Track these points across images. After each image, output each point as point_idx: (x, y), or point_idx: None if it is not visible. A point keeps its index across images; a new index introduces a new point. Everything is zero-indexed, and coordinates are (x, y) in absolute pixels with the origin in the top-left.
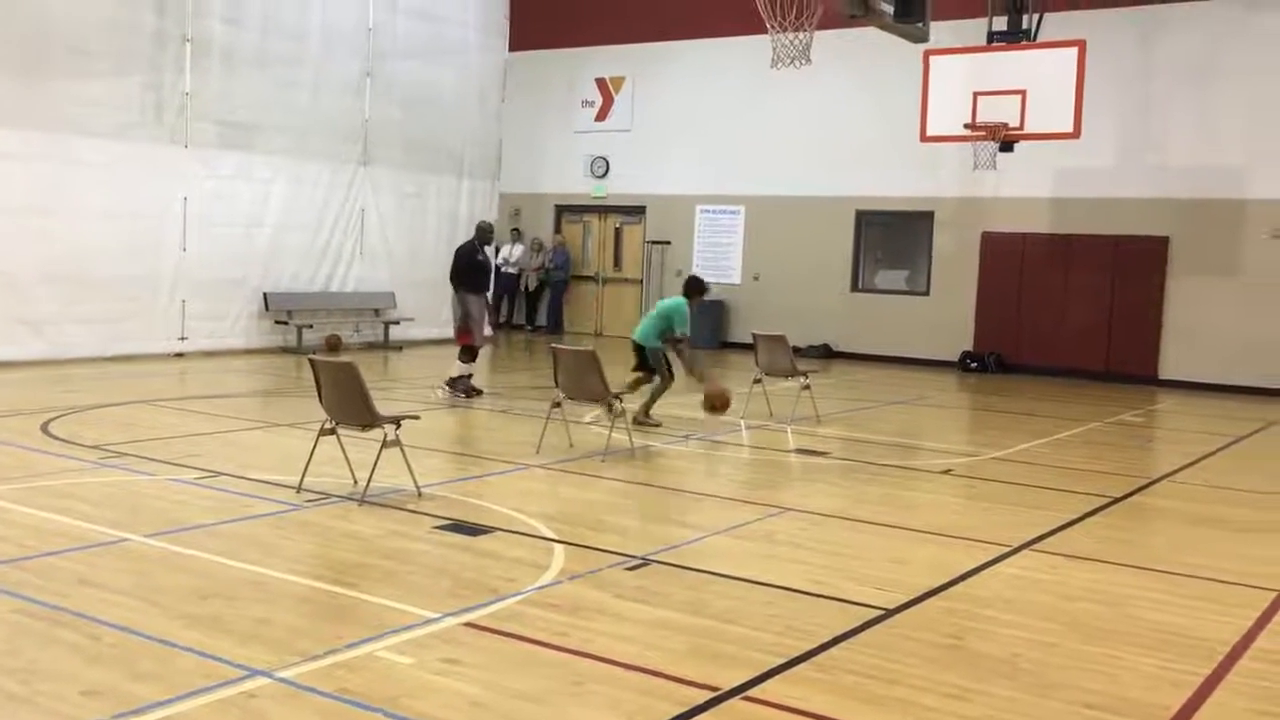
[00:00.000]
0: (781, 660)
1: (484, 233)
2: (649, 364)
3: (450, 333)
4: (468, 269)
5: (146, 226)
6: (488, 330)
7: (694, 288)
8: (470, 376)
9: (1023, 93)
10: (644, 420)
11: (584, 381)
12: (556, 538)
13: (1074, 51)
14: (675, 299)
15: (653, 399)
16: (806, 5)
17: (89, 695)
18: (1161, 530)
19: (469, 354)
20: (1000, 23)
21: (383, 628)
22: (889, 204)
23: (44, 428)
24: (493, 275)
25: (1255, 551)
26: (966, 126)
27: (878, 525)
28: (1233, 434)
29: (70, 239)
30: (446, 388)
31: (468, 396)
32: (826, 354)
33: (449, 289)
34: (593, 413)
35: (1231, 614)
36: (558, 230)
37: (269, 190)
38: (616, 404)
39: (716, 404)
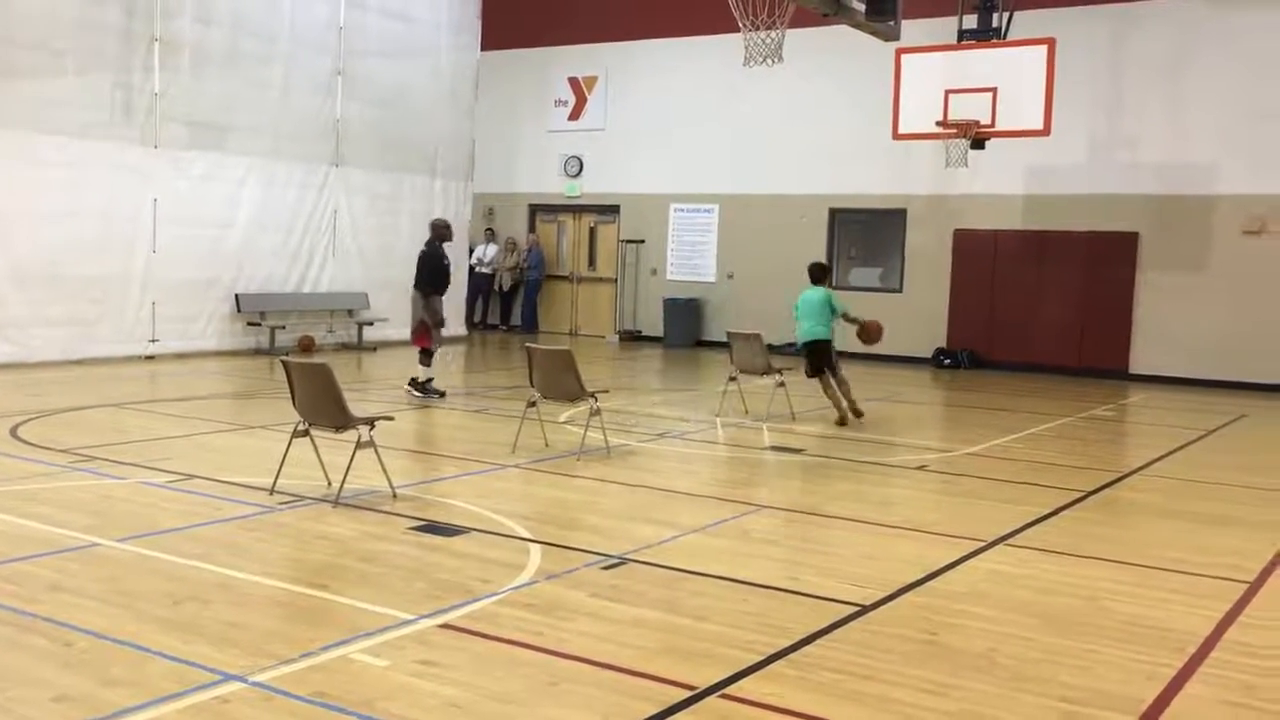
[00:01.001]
0: (758, 658)
1: (444, 229)
2: (827, 361)
3: (440, 335)
4: (435, 272)
5: (116, 227)
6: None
7: (824, 273)
8: (431, 380)
9: (993, 90)
10: (857, 410)
11: (559, 381)
12: (532, 537)
13: (1044, 49)
14: (817, 290)
15: (848, 394)
16: (779, 4)
17: (60, 701)
18: (1134, 524)
19: (429, 356)
20: (971, 21)
21: (357, 630)
22: (862, 202)
23: (13, 432)
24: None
25: (1226, 544)
26: (938, 124)
27: (853, 521)
28: (1203, 427)
29: (37, 240)
30: (418, 393)
31: (441, 396)
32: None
33: (409, 291)
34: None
35: (1203, 606)
36: (532, 230)
37: (240, 191)
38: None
39: (872, 332)
